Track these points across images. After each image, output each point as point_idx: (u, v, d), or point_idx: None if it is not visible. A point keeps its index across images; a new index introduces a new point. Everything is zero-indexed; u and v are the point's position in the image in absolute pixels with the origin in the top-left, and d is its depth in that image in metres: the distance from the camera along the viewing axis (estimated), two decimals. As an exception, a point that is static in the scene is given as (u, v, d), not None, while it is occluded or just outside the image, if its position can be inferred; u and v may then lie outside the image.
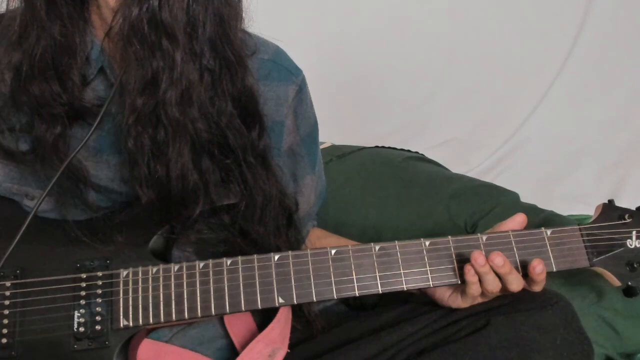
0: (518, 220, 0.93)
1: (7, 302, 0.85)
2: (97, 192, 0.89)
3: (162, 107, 0.79)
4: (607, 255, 0.91)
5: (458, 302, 0.93)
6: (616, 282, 0.92)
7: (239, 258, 0.87)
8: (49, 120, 0.84)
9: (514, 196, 1.56)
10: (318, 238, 1.11)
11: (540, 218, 1.45)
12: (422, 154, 1.77)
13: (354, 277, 0.87)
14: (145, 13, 0.76)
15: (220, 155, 0.87)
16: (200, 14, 0.79)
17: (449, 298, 0.94)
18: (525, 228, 0.92)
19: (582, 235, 0.91)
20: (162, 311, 0.85)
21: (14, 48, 0.82)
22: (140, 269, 0.86)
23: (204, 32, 0.80)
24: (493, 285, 0.87)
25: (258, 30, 0.93)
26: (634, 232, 0.92)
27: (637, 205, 0.95)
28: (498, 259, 0.86)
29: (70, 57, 0.84)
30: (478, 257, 0.86)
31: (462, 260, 0.89)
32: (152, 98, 0.79)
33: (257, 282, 0.86)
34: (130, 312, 0.85)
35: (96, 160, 0.89)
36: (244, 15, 0.86)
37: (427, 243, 0.89)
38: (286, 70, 0.98)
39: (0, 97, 0.85)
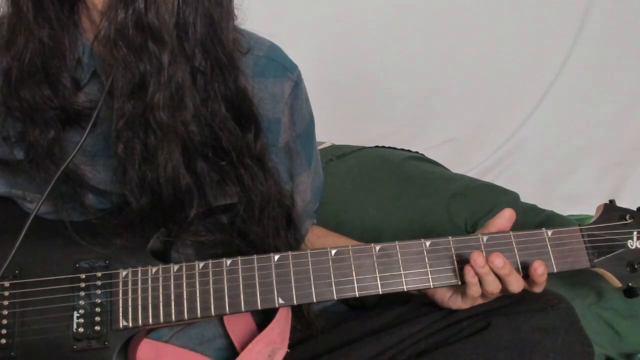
0: (506, 216, 0.93)
1: (6, 303, 0.84)
2: (95, 194, 0.89)
3: (151, 111, 0.78)
4: (607, 256, 0.91)
5: (458, 303, 0.93)
6: (617, 283, 0.91)
7: (239, 258, 0.87)
8: (42, 125, 0.83)
9: (514, 196, 1.56)
10: (318, 237, 1.11)
11: (540, 218, 1.45)
12: (422, 154, 1.77)
13: (354, 277, 0.87)
14: (131, 16, 0.75)
15: (215, 157, 0.87)
16: (190, 15, 0.78)
17: (449, 299, 0.94)
18: (526, 228, 0.92)
19: (583, 236, 0.91)
20: (161, 311, 0.85)
21: (4, 52, 0.82)
22: (139, 270, 0.86)
23: (195, 33, 0.79)
24: (493, 286, 0.87)
25: (257, 31, 0.93)
26: (634, 233, 0.92)
27: (638, 206, 0.95)
28: (498, 260, 0.86)
29: (60, 61, 0.83)
30: (477, 258, 0.86)
31: (463, 261, 0.88)
32: (141, 102, 0.78)
33: (257, 282, 0.86)
34: (130, 313, 0.85)
35: (93, 163, 0.89)
36: (236, 13, 0.86)
37: (428, 243, 0.89)
38: (281, 66, 0.97)
39: None
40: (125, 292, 0.85)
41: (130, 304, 0.85)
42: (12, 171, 0.88)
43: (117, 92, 0.79)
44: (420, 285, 0.89)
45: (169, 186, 0.82)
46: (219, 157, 0.87)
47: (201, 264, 0.86)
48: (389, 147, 1.80)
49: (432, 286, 0.89)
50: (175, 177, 0.82)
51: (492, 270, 0.86)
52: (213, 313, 0.85)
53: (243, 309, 0.85)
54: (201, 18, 0.79)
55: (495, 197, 1.53)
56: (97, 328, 0.84)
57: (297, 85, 0.99)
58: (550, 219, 1.45)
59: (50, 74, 0.82)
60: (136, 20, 0.75)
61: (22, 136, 0.85)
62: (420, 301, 0.98)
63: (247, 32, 0.93)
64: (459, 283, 0.89)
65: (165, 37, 0.76)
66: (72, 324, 0.84)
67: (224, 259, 0.87)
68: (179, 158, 0.82)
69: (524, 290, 0.89)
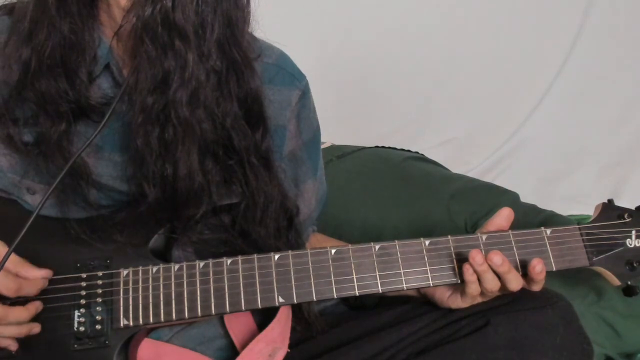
0: (504, 215, 0.93)
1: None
2: (98, 190, 0.89)
3: (173, 107, 0.80)
4: (606, 254, 0.91)
5: (458, 302, 0.93)
6: (616, 282, 0.92)
7: (239, 257, 0.87)
8: (54, 117, 0.84)
9: (514, 196, 1.56)
10: (319, 242, 1.11)
11: (540, 218, 1.46)
12: (422, 154, 1.77)
13: (354, 276, 0.87)
14: (158, 13, 0.76)
15: (224, 156, 0.87)
16: (209, 15, 0.79)
17: (448, 298, 0.94)
18: (525, 228, 0.92)
19: (581, 235, 0.91)
20: (162, 311, 0.85)
21: (24, 44, 0.82)
22: (140, 269, 0.86)
23: (212, 33, 0.80)
24: (492, 284, 0.87)
25: (259, 31, 0.93)
26: (633, 232, 0.92)
27: (637, 205, 0.95)
28: (496, 258, 0.86)
29: (79, 55, 0.84)
30: (476, 256, 0.86)
31: (462, 260, 0.88)
32: (163, 97, 0.79)
33: (257, 281, 0.86)
34: (131, 312, 0.85)
35: (98, 157, 0.89)
36: (250, 19, 0.87)
37: (427, 242, 0.89)
38: (290, 75, 0.98)
39: (6, 89, 0.85)
40: (126, 292, 0.85)
41: (131, 303, 0.85)
42: (19, 155, 0.88)
43: (140, 86, 0.80)
44: (420, 284, 0.89)
45: (185, 182, 0.83)
46: (228, 156, 0.88)
47: (202, 264, 0.87)
48: (389, 147, 1.81)
49: (431, 285, 0.89)
50: (191, 174, 0.83)
51: (491, 268, 0.86)
52: (213, 312, 0.85)
53: (243, 308, 0.86)
54: (219, 18, 0.80)
55: (495, 197, 1.53)
56: (98, 327, 0.84)
57: (305, 94, 1.00)
58: (550, 219, 1.45)
59: (68, 68, 0.83)
60: (163, 17, 0.76)
61: (32, 121, 0.86)
62: (420, 301, 0.99)
63: (258, 39, 0.93)
64: (459, 281, 0.89)
65: (190, 36, 0.78)
66: (73, 323, 0.84)
67: (224, 259, 0.87)
68: (195, 155, 0.83)
69: (523, 289, 0.90)
